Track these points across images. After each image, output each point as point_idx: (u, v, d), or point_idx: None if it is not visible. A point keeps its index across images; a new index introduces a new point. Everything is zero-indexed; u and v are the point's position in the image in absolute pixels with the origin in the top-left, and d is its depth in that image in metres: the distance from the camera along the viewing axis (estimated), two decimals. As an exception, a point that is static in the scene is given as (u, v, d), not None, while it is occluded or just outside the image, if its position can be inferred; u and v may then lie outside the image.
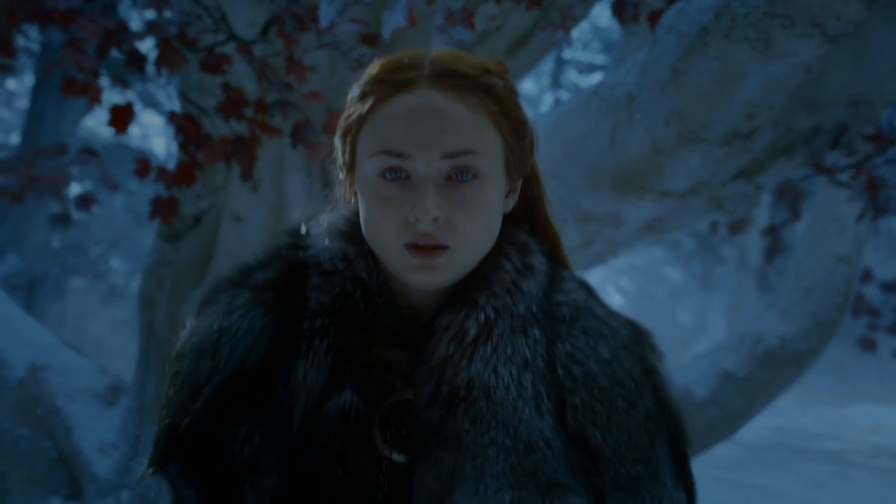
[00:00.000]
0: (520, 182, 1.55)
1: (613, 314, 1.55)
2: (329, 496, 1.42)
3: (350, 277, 1.50)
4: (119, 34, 3.62)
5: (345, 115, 1.50)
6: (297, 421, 1.43)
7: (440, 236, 1.42)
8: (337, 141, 1.53)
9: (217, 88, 3.98)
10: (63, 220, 4.61)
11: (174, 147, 13.91)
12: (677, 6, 3.39)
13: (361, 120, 1.47)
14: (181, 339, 1.53)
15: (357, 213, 1.52)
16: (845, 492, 8.60)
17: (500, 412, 1.42)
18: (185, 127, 3.84)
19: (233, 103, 3.86)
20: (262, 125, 3.84)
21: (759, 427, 11.88)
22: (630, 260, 18.90)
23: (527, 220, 1.60)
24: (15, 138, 14.62)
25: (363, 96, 1.47)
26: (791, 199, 6.93)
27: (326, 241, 1.53)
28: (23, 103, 14.37)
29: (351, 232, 1.53)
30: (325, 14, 3.24)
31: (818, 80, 3.80)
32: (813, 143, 4.12)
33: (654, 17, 3.61)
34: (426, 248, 1.42)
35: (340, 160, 1.53)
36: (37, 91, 11.18)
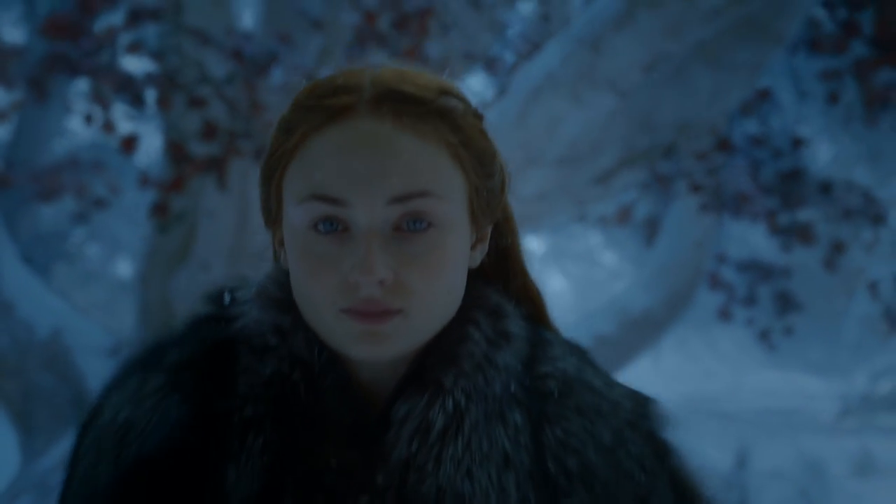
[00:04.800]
0: (489, 230, 1.27)
1: (612, 384, 1.28)
2: None
3: (286, 355, 1.20)
4: (128, 83, 5.05)
5: (267, 153, 1.22)
6: None
7: (389, 301, 1.15)
8: (259, 187, 1.25)
9: (198, 120, 5.37)
10: (81, 218, 6.02)
11: (147, 150, 15.29)
12: (525, 68, 4.84)
13: (286, 158, 1.19)
14: (78, 435, 1.28)
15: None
16: (717, 439, 10.03)
17: None
18: (176, 149, 5.27)
19: (209, 131, 5.26)
20: (231, 148, 5.25)
21: (668, 392, 13.32)
22: (567, 246, 20.23)
23: (499, 275, 1.32)
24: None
25: (288, 129, 1.19)
26: (667, 195, 8.42)
27: (255, 312, 1.24)
28: None
29: (284, 299, 1.23)
30: (276, 76, 4.67)
31: (653, 110, 5.32)
32: (650, 157, 5.64)
33: (512, 70, 5.05)
34: (370, 314, 1.15)
35: (264, 209, 1.26)
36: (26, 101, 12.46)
